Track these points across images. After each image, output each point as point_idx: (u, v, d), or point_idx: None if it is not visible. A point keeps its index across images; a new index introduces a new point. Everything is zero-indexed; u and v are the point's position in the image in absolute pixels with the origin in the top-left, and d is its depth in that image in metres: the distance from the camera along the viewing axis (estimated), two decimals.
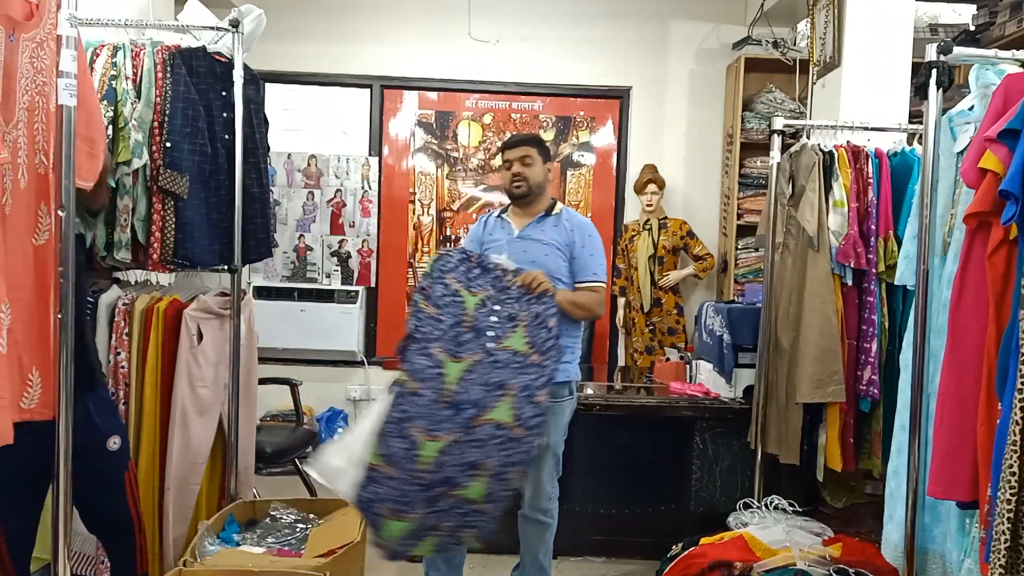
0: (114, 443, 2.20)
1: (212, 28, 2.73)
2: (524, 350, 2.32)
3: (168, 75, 2.62)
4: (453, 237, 4.89)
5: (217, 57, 2.73)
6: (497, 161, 4.79)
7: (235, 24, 2.69)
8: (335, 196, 4.80)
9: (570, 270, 2.62)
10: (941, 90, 2.02)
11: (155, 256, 2.60)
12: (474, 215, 4.82)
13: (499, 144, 2.79)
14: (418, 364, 2.25)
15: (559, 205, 2.74)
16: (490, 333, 2.32)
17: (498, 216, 2.77)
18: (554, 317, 2.38)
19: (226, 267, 2.77)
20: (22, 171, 1.65)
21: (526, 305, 2.37)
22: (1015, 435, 1.56)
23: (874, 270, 2.79)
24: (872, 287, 2.80)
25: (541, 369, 2.32)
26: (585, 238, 2.66)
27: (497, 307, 2.35)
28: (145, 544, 2.44)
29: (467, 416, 2.23)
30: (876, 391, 2.77)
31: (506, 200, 2.80)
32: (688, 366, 3.61)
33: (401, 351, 2.31)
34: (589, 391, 3.38)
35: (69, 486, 1.77)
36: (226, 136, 2.71)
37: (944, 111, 2.06)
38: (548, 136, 4.86)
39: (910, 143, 2.96)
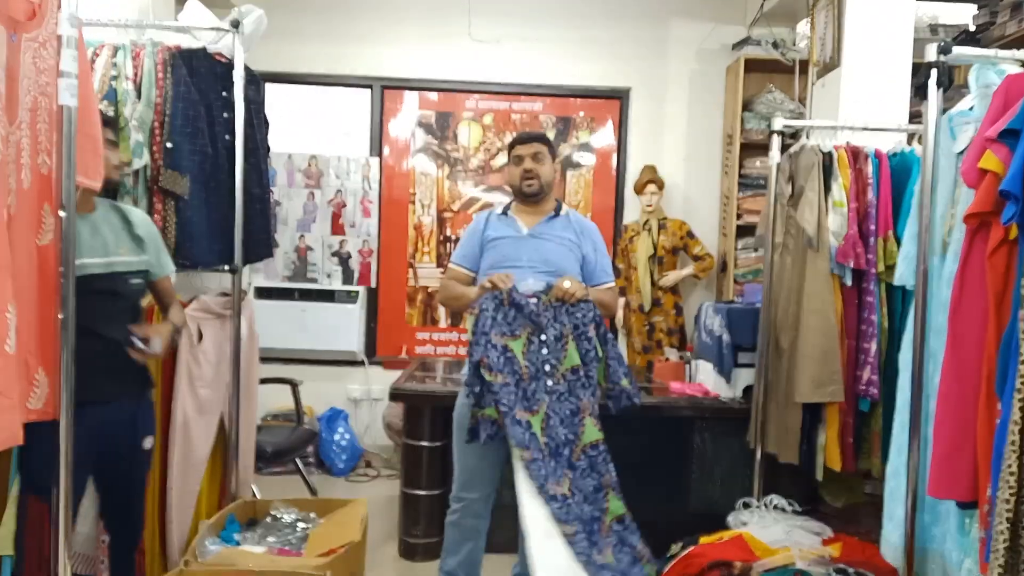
0: (148, 443, 2.32)
1: (212, 28, 2.74)
2: (579, 363, 2.38)
3: (168, 75, 2.63)
4: (453, 237, 4.89)
5: (217, 57, 2.74)
6: (498, 161, 4.84)
7: (235, 24, 2.69)
8: (335, 196, 4.80)
9: (582, 272, 2.62)
10: (941, 90, 2.03)
11: None
12: (474, 215, 4.82)
13: (510, 140, 2.76)
14: (518, 434, 2.32)
15: (564, 206, 2.74)
16: (548, 368, 2.36)
17: (502, 213, 2.72)
18: (592, 324, 2.40)
19: (227, 267, 2.77)
20: (25, 171, 1.65)
21: (566, 318, 2.39)
22: (1015, 435, 1.56)
23: (873, 270, 2.79)
24: (871, 287, 2.80)
25: (589, 380, 2.39)
26: (595, 241, 2.68)
27: (543, 336, 2.38)
28: (144, 547, 2.47)
29: (567, 455, 2.36)
30: (875, 391, 2.77)
31: (506, 200, 2.79)
32: (688, 366, 3.61)
33: (481, 431, 2.36)
34: None
35: (70, 486, 1.78)
36: (226, 136, 2.71)
37: (944, 111, 2.07)
38: (548, 136, 4.85)
39: (910, 143, 2.96)
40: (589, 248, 2.65)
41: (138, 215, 2.31)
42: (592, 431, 2.40)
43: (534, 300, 2.40)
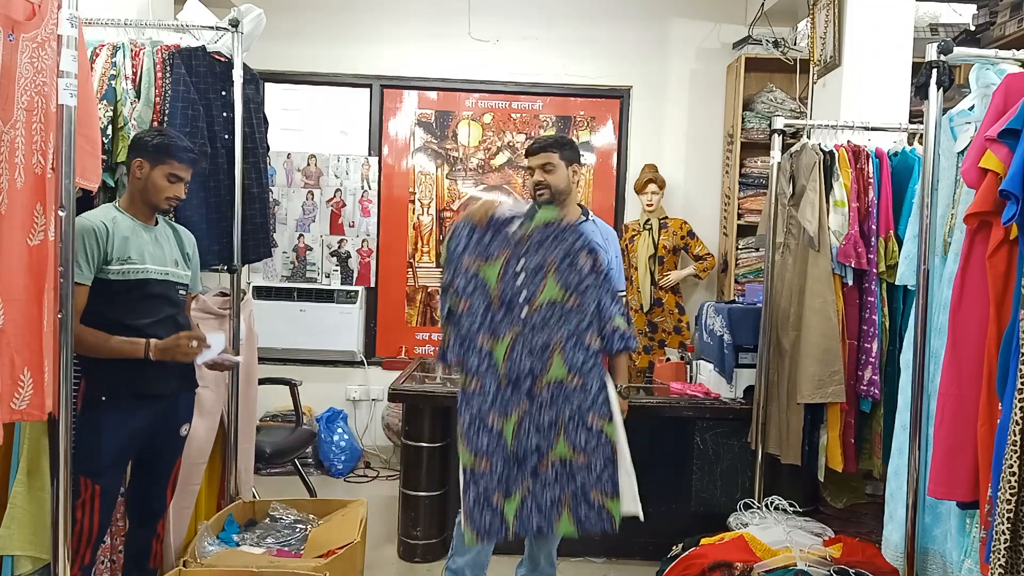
0: (185, 430, 2.42)
1: (212, 28, 2.73)
2: (559, 297, 2.25)
3: (167, 75, 2.62)
4: None
5: (216, 57, 2.73)
6: (498, 160, 4.84)
7: (235, 24, 2.69)
8: (335, 196, 4.80)
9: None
10: (941, 90, 2.02)
11: None
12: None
13: (524, 148, 2.70)
14: (472, 363, 2.26)
15: (591, 214, 2.69)
16: (519, 299, 2.25)
17: None
18: (583, 251, 2.28)
19: (226, 267, 2.77)
20: (19, 171, 1.65)
21: (552, 247, 2.26)
22: (1015, 435, 1.56)
23: (875, 270, 2.79)
24: (873, 287, 2.80)
25: (580, 312, 2.25)
26: (615, 250, 2.66)
27: (521, 262, 2.25)
28: (164, 538, 2.48)
29: (527, 387, 2.25)
30: (877, 391, 2.77)
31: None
32: (688, 366, 3.61)
33: (443, 356, 2.30)
34: None
35: (69, 486, 1.77)
36: (226, 136, 2.71)
37: (944, 111, 2.06)
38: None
39: (910, 143, 2.96)
40: (612, 258, 2.62)
41: (188, 235, 2.48)
42: (558, 368, 2.27)
43: (516, 220, 2.27)
